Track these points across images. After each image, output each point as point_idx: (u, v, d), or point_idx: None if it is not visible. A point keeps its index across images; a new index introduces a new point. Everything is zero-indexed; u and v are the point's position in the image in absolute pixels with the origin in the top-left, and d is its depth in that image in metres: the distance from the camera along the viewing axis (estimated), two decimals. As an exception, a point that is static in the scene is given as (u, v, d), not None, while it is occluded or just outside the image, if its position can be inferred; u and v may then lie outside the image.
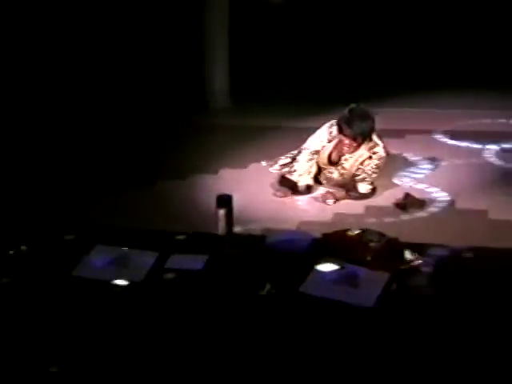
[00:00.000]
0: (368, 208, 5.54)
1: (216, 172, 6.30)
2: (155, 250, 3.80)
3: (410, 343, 2.99)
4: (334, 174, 5.68)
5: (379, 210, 5.40)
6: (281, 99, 8.16)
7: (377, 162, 5.56)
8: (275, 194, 5.69)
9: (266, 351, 2.99)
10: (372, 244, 3.53)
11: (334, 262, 3.42)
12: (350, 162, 5.63)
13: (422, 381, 2.81)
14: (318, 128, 5.85)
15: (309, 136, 5.86)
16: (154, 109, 7.87)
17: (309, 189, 5.72)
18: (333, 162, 5.72)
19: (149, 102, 7.96)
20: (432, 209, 5.35)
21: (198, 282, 3.45)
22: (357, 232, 3.65)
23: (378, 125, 5.64)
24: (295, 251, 3.55)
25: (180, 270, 3.55)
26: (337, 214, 5.49)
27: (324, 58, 8.89)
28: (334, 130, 5.59)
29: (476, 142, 6.78)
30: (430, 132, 7.10)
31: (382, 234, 3.66)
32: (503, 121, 7.36)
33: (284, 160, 5.94)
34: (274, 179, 5.95)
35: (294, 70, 8.61)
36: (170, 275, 3.50)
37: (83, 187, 5.76)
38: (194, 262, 3.63)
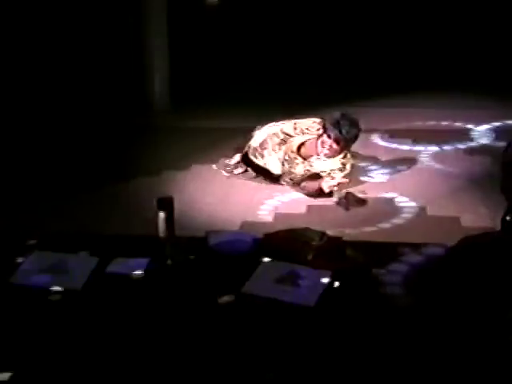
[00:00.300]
0: (311, 207, 5.56)
1: (159, 174, 6.25)
2: (97, 254, 3.73)
3: (353, 341, 3.00)
4: (299, 167, 5.70)
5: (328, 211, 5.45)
6: (221, 100, 8.14)
7: (341, 177, 5.64)
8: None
9: (211, 351, 2.97)
10: (313, 243, 3.53)
11: (275, 262, 3.42)
12: (320, 166, 5.65)
13: (362, 377, 2.83)
14: (258, 128, 5.89)
15: (248, 136, 5.90)
16: (96, 111, 7.77)
17: (277, 179, 5.75)
18: (300, 155, 5.76)
19: (89, 105, 7.87)
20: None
21: (138, 287, 3.41)
22: (298, 231, 3.64)
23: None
24: (237, 252, 3.53)
25: (121, 274, 3.51)
26: (279, 215, 5.49)
27: (262, 58, 8.92)
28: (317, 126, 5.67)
29: (414, 143, 6.82)
30: (367, 132, 7.12)
31: (323, 233, 3.66)
32: (434, 123, 7.45)
33: (233, 160, 5.96)
34: (216, 180, 5.94)
35: (234, 71, 8.61)
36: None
37: (25, 192, 5.66)
38: (136, 265, 3.58)
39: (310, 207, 5.65)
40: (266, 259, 3.43)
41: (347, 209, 5.21)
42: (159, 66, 8.00)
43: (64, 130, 7.18)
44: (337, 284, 3.23)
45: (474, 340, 2.92)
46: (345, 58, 8.98)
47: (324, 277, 3.27)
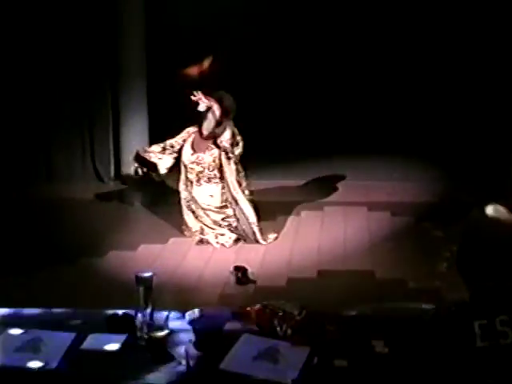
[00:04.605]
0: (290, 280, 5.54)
1: (135, 248, 6.20)
2: (73, 330, 3.64)
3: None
4: None
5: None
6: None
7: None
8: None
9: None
10: (292, 317, 3.47)
11: (253, 337, 3.35)
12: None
13: None
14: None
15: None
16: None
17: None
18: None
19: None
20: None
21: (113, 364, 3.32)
22: (277, 305, 3.58)
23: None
24: (215, 328, 3.47)
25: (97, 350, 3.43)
26: (258, 287, 5.45)
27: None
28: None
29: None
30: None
31: (302, 307, 3.59)
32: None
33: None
34: (191, 254, 5.91)
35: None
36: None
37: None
38: (112, 342, 3.51)
39: (289, 280, 5.62)
40: (244, 334, 3.37)
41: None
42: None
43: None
44: (316, 360, 3.17)
45: None
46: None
47: (303, 352, 3.20)
